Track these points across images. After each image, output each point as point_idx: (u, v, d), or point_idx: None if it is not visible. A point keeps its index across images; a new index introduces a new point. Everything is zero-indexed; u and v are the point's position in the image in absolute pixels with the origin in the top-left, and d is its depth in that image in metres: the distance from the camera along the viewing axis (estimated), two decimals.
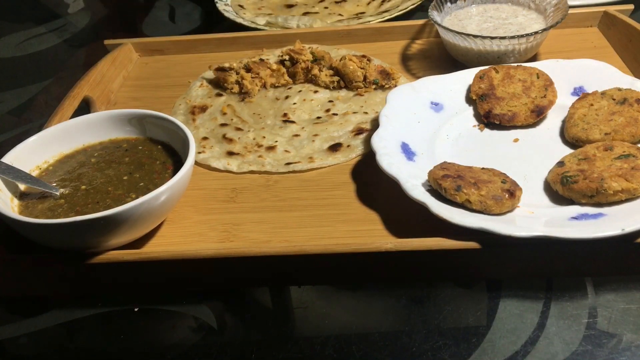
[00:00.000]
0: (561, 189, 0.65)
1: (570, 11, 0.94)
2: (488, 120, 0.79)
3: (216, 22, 1.24)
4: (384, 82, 0.91)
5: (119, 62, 1.02)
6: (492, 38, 0.86)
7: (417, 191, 0.64)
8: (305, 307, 0.63)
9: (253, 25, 1.14)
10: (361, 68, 0.91)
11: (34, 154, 0.71)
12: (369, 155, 0.74)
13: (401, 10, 1.14)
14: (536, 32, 0.86)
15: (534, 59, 0.93)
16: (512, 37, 0.86)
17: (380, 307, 0.63)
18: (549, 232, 0.57)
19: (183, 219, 0.71)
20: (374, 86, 0.92)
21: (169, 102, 0.94)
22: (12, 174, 0.66)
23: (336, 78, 0.93)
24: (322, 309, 0.63)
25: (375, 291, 0.64)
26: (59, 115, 0.84)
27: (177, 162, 0.70)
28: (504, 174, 0.67)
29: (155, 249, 0.67)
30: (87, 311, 0.64)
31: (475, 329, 0.58)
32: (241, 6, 1.24)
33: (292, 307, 0.64)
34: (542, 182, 0.69)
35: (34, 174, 0.70)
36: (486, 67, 0.83)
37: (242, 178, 0.78)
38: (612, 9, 1.00)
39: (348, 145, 0.80)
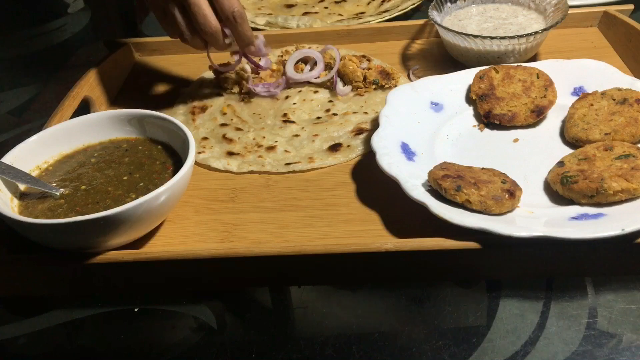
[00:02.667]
0: (561, 189, 0.65)
1: (570, 11, 0.94)
2: (488, 120, 0.79)
3: None
4: (384, 82, 0.91)
5: (119, 62, 1.02)
6: (492, 38, 0.86)
7: (417, 191, 0.64)
8: (305, 307, 0.63)
9: (253, 25, 1.14)
10: (362, 68, 0.91)
11: (34, 154, 0.71)
12: (369, 155, 0.74)
13: (401, 10, 1.14)
14: (536, 32, 0.86)
15: (534, 59, 0.93)
16: (512, 37, 0.86)
17: (380, 307, 0.63)
18: (549, 232, 0.57)
19: (183, 219, 0.71)
20: (374, 86, 0.92)
21: (169, 102, 0.94)
22: (12, 174, 0.66)
23: None
24: (322, 309, 0.63)
25: (375, 291, 0.64)
26: (59, 115, 0.84)
27: (177, 162, 0.70)
28: (504, 174, 0.67)
29: (155, 249, 0.67)
30: (87, 311, 0.64)
31: (475, 329, 0.58)
32: None
33: (292, 307, 0.64)
34: (542, 182, 0.69)
35: (34, 174, 0.70)
36: (486, 67, 0.83)
37: (242, 178, 0.78)
38: (612, 9, 1.00)
39: (348, 145, 0.80)
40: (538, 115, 0.77)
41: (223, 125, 0.87)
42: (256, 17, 1.18)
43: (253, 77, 0.94)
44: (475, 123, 0.80)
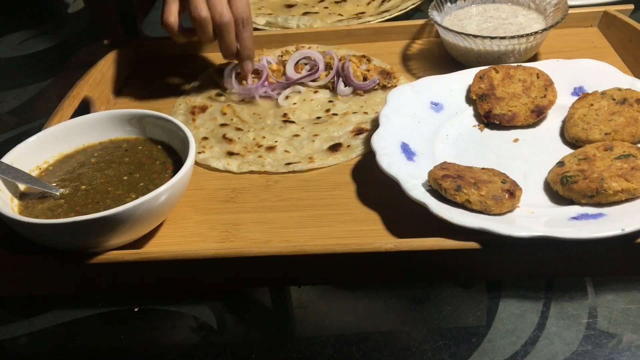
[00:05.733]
0: (561, 189, 0.65)
1: (570, 11, 0.94)
2: (488, 120, 0.79)
3: None
4: (384, 82, 0.91)
5: (119, 62, 1.02)
6: (492, 38, 0.86)
7: (417, 191, 0.64)
8: (305, 307, 0.63)
9: (253, 26, 1.14)
10: (362, 68, 0.91)
11: (34, 154, 0.71)
12: (369, 155, 0.74)
13: (401, 10, 1.14)
14: (536, 32, 0.86)
15: (534, 59, 0.93)
16: (512, 37, 0.86)
17: (380, 307, 0.63)
18: (549, 232, 0.57)
19: (183, 219, 0.71)
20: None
21: (169, 102, 0.94)
22: (12, 174, 0.66)
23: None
24: (322, 309, 0.63)
25: (375, 291, 0.64)
26: (59, 115, 0.84)
27: (177, 162, 0.70)
28: (504, 174, 0.67)
29: (155, 249, 0.67)
30: (87, 311, 0.64)
31: (475, 329, 0.58)
32: None
33: (292, 307, 0.64)
34: (542, 182, 0.69)
35: (34, 174, 0.70)
36: (486, 67, 0.83)
37: (242, 178, 0.78)
38: (612, 9, 1.00)
39: (348, 145, 0.80)
40: (538, 115, 0.77)
41: (223, 125, 0.87)
42: (256, 17, 1.17)
43: (252, 77, 0.93)
44: (475, 123, 0.80)
